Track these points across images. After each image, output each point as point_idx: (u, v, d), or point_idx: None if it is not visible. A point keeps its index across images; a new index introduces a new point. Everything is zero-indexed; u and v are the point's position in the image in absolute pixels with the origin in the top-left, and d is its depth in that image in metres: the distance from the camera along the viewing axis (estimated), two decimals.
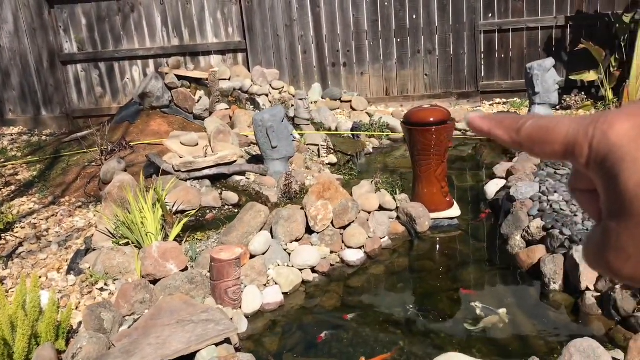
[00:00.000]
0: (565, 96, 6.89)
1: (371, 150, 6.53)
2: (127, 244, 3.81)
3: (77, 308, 3.30)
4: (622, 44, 6.60)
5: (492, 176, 5.14)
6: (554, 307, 3.40)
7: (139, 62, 7.95)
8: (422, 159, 4.43)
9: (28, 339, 2.72)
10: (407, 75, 7.64)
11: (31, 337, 2.75)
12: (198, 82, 7.03)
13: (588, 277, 3.25)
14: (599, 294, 3.20)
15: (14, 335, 2.75)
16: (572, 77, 7.05)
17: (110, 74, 7.99)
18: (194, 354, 2.81)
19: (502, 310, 3.30)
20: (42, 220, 4.85)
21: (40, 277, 3.54)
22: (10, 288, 3.78)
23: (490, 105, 7.47)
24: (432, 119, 4.32)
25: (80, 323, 3.18)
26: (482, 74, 7.54)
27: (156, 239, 3.73)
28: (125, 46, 7.84)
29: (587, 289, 3.25)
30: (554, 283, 3.46)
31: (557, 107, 6.76)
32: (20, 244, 4.42)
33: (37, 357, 2.63)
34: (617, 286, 3.07)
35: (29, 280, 3.62)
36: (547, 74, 5.87)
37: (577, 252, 3.33)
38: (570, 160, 0.37)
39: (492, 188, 4.85)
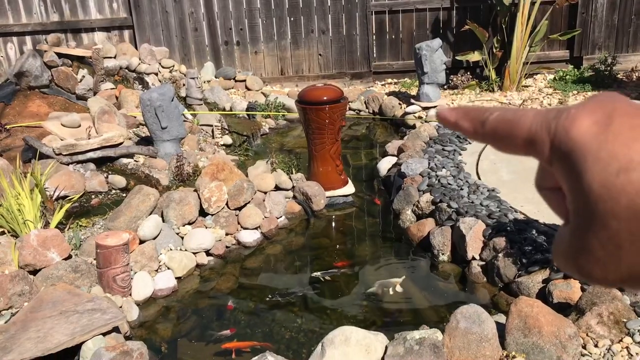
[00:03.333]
0: (452, 76, 7.17)
1: (267, 131, 6.47)
2: (1, 233, 3.52)
3: None
4: (504, 26, 6.95)
5: (385, 154, 5.26)
6: (443, 277, 3.54)
7: (14, 38, 7.35)
8: (317, 138, 4.44)
9: None
10: (301, 55, 7.62)
11: None
12: (81, 61, 6.61)
13: (474, 247, 3.41)
14: (484, 263, 3.37)
15: None
16: (458, 58, 7.35)
17: None
18: (79, 346, 2.65)
19: (396, 279, 3.39)
20: None
21: None
22: None
23: (382, 85, 7.63)
24: (325, 98, 4.33)
25: None
26: (374, 55, 7.67)
27: (35, 227, 3.47)
28: None
29: (473, 258, 3.41)
30: (443, 254, 3.60)
31: (445, 87, 7.02)
32: None
33: None
34: (500, 254, 3.24)
35: None
36: (434, 54, 6.07)
37: (464, 224, 3.47)
38: (533, 155, 0.35)
39: (385, 165, 4.96)
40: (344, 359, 2.35)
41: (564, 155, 0.33)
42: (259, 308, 3.38)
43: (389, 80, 7.71)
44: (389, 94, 6.99)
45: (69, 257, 3.33)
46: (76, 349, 2.68)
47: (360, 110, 6.82)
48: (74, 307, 2.83)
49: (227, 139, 5.94)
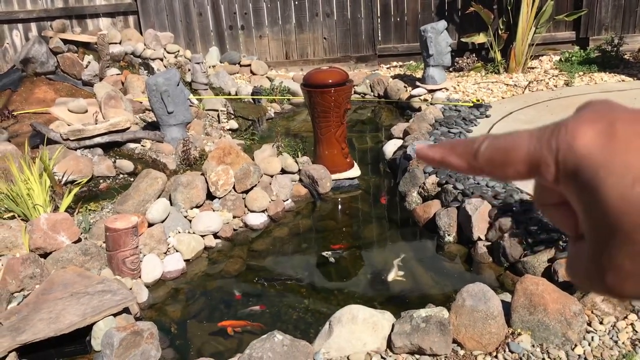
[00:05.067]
0: (457, 58, 7.14)
1: (273, 115, 6.47)
2: (12, 217, 3.56)
3: None
4: (509, 7, 6.90)
5: (390, 137, 5.27)
6: (449, 257, 3.57)
7: (20, 25, 7.35)
8: (322, 121, 4.45)
9: None
10: (306, 38, 7.60)
11: None
12: (86, 47, 6.62)
13: (479, 227, 3.43)
14: (489, 243, 3.39)
15: None
16: (463, 40, 7.31)
17: None
18: (90, 327, 2.70)
19: (397, 260, 3.41)
20: None
21: None
22: None
23: (387, 68, 7.60)
24: (330, 81, 4.33)
25: None
26: (379, 38, 7.64)
27: (45, 211, 3.51)
28: (3, 8, 7.22)
29: (479, 238, 3.43)
30: (449, 235, 3.62)
31: (450, 69, 7.00)
32: None
33: None
34: (506, 234, 3.26)
35: None
36: (440, 36, 6.04)
37: (470, 205, 3.49)
38: (537, 178, 0.34)
39: (390, 148, 4.97)
40: (351, 337, 2.38)
41: (572, 173, 0.31)
42: (267, 289, 3.42)
43: (394, 63, 7.69)
44: (394, 77, 6.97)
45: (79, 240, 3.37)
46: (87, 330, 2.73)
47: (365, 94, 6.81)
48: (84, 289, 2.87)
49: (233, 124, 5.95)
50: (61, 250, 3.21)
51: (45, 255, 3.23)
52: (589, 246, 0.32)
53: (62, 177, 3.96)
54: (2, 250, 3.30)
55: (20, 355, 2.59)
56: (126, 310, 2.85)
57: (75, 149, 4.48)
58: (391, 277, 3.28)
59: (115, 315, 2.75)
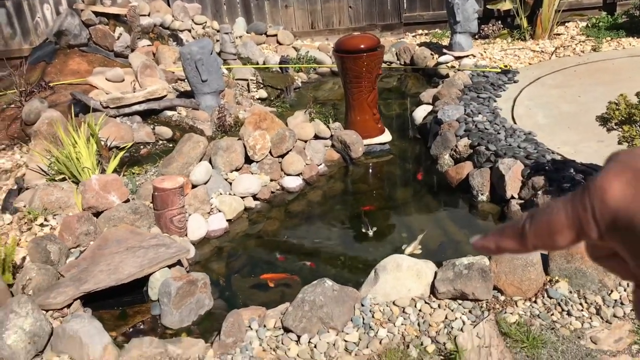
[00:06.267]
0: (483, 25, 7.14)
1: (300, 85, 6.57)
2: (63, 179, 3.73)
3: (18, 244, 3.24)
4: None
5: (419, 103, 5.34)
6: (482, 215, 3.68)
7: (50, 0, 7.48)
8: (354, 87, 4.54)
9: None
10: (331, 7, 7.64)
11: None
12: (117, 19, 6.73)
13: (512, 186, 3.53)
14: (522, 201, 3.49)
15: None
16: (489, 7, 7.31)
17: (19, 12, 7.49)
18: (147, 277, 2.86)
19: (420, 235, 3.39)
20: None
21: None
22: None
23: (413, 36, 7.63)
24: (362, 46, 4.41)
25: (23, 258, 3.13)
26: (405, 6, 7.66)
27: (93, 174, 3.67)
28: None
29: (512, 197, 3.53)
30: (482, 194, 3.72)
31: (476, 36, 7.01)
32: None
33: None
34: (539, 192, 3.36)
35: None
36: (467, 3, 6.06)
37: (503, 165, 3.58)
38: (585, 239, 0.35)
39: (420, 113, 5.05)
40: (397, 283, 2.52)
41: (612, 227, 0.32)
42: (307, 246, 3.56)
43: (420, 32, 7.71)
44: (420, 45, 7.00)
45: (127, 200, 3.53)
46: (144, 281, 2.90)
47: (391, 62, 6.87)
48: (139, 244, 3.03)
49: (262, 93, 6.06)
50: (112, 209, 3.37)
51: (97, 214, 3.40)
52: None
53: (106, 142, 4.11)
54: (56, 210, 3.48)
55: (83, 304, 2.76)
56: (179, 263, 3.01)
57: (115, 117, 4.62)
58: (409, 250, 3.22)
59: (170, 267, 2.91)
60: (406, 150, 4.80)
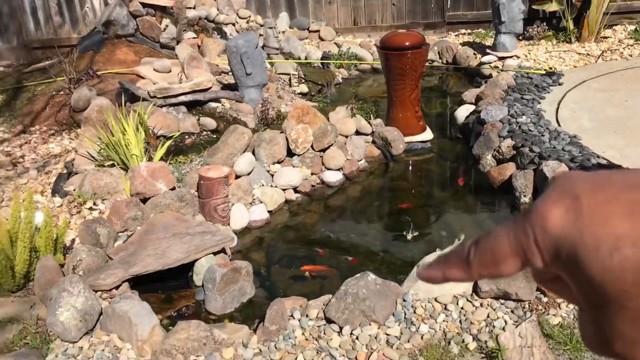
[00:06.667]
0: (527, 26, 7.04)
1: (340, 81, 6.60)
2: (111, 165, 3.84)
3: (67, 226, 3.35)
4: None
5: (461, 102, 5.32)
6: None
7: None
8: (398, 84, 4.54)
9: (29, 251, 2.78)
10: (374, 4, 7.64)
11: (31, 251, 2.81)
12: (163, 10, 6.85)
13: None
14: None
15: (13, 249, 2.80)
16: (535, 7, 7.21)
17: (69, 2, 7.69)
18: (192, 263, 2.94)
19: (458, 241, 3.42)
20: (15, 148, 4.79)
21: (24, 200, 3.55)
22: None
23: (455, 35, 7.58)
24: (407, 44, 4.41)
25: (73, 240, 3.25)
26: (448, 5, 7.61)
27: (141, 161, 3.77)
28: None
29: None
30: (524, 196, 3.70)
31: (520, 37, 6.93)
32: None
33: (42, 267, 2.70)
34: None
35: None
36: (512, 3, 6.00)
37: (547, 167, 3.55)
38: (530, 266, 0.34)
39: (462, 113, 5.03)
40: None
41: (553, 254, 0.32)
42: (346, 240, 3.60)
43: (463, 31, 7.65)
44: (463, 44, 6.96)
45: (173, 188, 3.62)
46: (189, 266, 2.97)
47: (433, 61, 6.84)
48: (185, 230, 3.11)
49: (304, 88, 6.11)
50: (159, 196, 3.46)
51: (144, 200, 3.49)
52: (589, 319, 0.32)
53: (153, 131, 4.21)
54: (104, 195, 3.59)
55: (131, 287, 2.85)
56: (223, 251, 3.08)
57: (161, 107, 4.72)
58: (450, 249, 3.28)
59: (214, 254, 2.98)
60: (447, 149, 4.79)
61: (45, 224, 2.88)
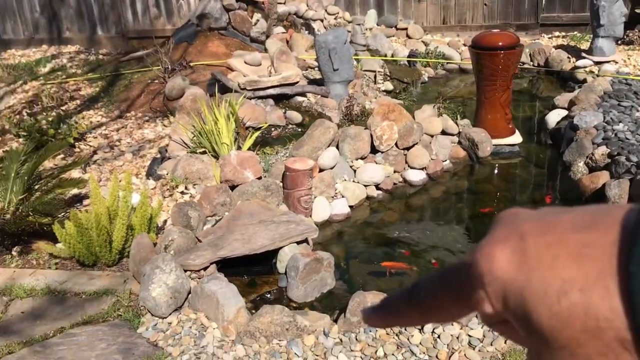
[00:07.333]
0: (627, 31, 6.71)
1: (426, 79, 6.53)
2: (203, 152, 3.98)
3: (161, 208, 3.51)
4: None
5: (553, 107, 5.14)
6: None
7: None
8: (488, 85, 4.45)
9: (125, 229, 2.94)
10: (465, 4, 7.51)
11: (127, 228, 2.97)
12: (255, 5, 7.02)
13: None
14: None
15: (110, 226, 2.97)
16: (637, 11, 6.85)
17: None
18: (276, 250, 3.01)
19: None
20: (112, 131, 5.06)
21: (121, 181, 3.75)
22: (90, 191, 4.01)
23: (549, 38, 7.33)
24: (500, 44, 4.31)
25: (165, 221, 3.40)
26: (543, 6, 7.36)
27: (230, 150, 3.89)
28: None
29: None
30: None
31: (619, 42, 6.61)
32: (95, 152, 4.65)
33: (137, 244, 2.85)
34: None
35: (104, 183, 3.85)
36: (614, 5, 5.73)
37: None
38: (479, 311, 0.31)
39: (553, 118, 4.87)
40: None
41: (501, 299, 0.29)
42: (425, 241, 3.57)
43: (557, 33, 7.38)
44: (557, 47, 6.71)
45: (260, 177, 3.72)
46: (273, 253, 3.05)
47: (524, 63, 6.63)
48: (270, 218, 3.19)
49: (388, 85, 6.10)
50: (247, 184, 3.56)
51: (232, 187, 3.60)
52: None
53: (242, 121, 4.34)
54: (195, 180, 3.73)
55: (218, 269, 2.96)
56: (305, 241, 3.13)
57: (250, 99, 4.86)
58: None
59: (297, 243, 3.04)
60: (536, 154, 4.64)
61: (142, 204, 3.04)
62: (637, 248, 0.26)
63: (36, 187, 3.47)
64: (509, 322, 0.31)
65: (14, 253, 3.26)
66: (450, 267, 0.32)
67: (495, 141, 4.51)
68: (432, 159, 4.31)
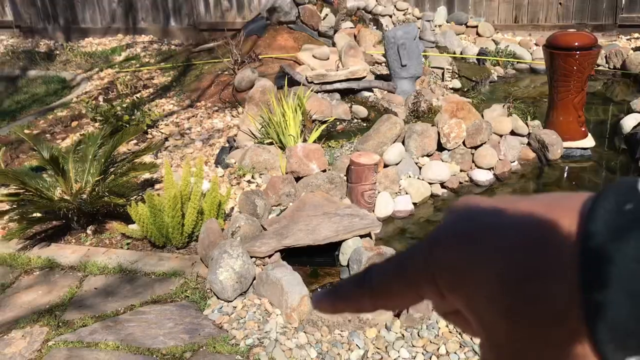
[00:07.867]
0: None
1: (495, 78, 6.40)
2: (270, 143, 4.06)
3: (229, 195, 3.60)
4: None
5: (629, 111, 4.94)
6: None
7: None
8: (561, 86, 4.33)
9: (197, 213, 3.04)
10: (539, 2, 7.30)
11: (198, 213, 3.07)
12: (324, 0, 7.06)
13: None
14: None
15: (182, 210, 3.07)
16: None
17: None
18: (339, 243, 3.04)
19: None
20: (183, 120, 5.21)
21: (190, 168, 3.87)
22: (162, 176, 4.16)
23: (627, 39, 7.04)
24: (576, 44, 4.18)
25: (232, 208, 3.49)
26: (623, 6, 7.07)
27: (297, 142, 3.95)
28: None
29: None
30: None
31: None
32: (166, 139, 4.81)
33: (207, 228, 2.94)
34: None
35: (174, 169, 3.98)
36: None
37: None
38: (428, 299, 0.32)
39: (630, 122, 4.68)
40: None
41: (450, 287, 0.29)
42: None
43: (636, 35, 7.08)
44: (635, 49, 6.44)
45: (324, 170, 3.75)
46: (336, 245, 3.08)
47: (599, 65, 6.41)
48: (334, 211, 3.22)
49: (456, 83, 6.01)
50: (311, 176, 3.61)
51: (297, 179, 3.66)
52: (490, 354, 0.29)
53: (309, 114, 4.38)
54: (262, 170, 3.81)
55: (282, 258, 3.01)
56: (368, 235, 3.15)
57: (317, 92, 4.90)
58: None
59: (360, 237, 3.06)
60: (609, 159, 4.48)
61: (212, 190, 3.13)
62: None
63: (111, 169, 3.62)
64: (461, 312, 0.30)
65: (88, 232, 3.42)
66: (403, 252, 0.32)
67: (567, 144, 4.38)
68: (500, 159, 4.23)
